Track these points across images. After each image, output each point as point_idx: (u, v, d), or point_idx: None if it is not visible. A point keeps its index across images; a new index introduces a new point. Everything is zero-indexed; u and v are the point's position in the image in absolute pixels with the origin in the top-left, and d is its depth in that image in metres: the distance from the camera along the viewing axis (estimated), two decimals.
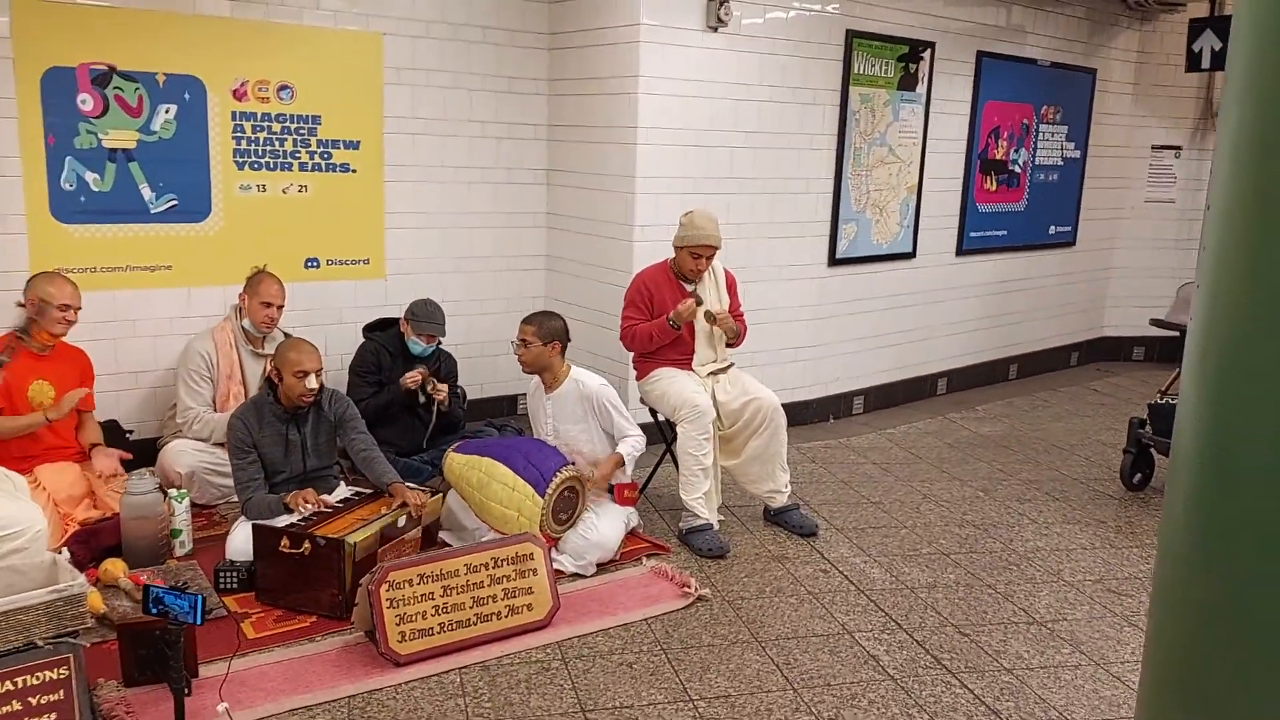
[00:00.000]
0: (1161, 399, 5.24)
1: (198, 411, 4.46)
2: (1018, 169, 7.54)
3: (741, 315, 4.70)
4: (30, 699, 2.60)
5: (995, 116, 7.21)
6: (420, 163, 5.52)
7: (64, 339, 4.21)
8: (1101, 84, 7.98)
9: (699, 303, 4.41)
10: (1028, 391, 7.50)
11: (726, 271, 4.70)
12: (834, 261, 6.29)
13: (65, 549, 3.76)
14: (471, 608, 3.36)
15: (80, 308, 4.11)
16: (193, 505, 4.22)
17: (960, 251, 7.23)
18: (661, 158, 5.34)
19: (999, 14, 6.94)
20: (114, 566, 3.68)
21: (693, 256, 4.41)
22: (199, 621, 2.48)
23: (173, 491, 3.97)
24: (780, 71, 5.69)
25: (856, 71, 6.08)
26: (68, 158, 4.57)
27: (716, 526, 4.37)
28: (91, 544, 3.85)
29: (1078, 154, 8.04)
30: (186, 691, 2.94)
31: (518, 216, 5.93)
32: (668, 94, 5.29)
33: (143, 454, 4.53)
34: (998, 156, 7.34)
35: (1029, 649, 3.51)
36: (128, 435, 4.73)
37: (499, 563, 3.46)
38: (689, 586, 3.82)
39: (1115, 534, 4.65)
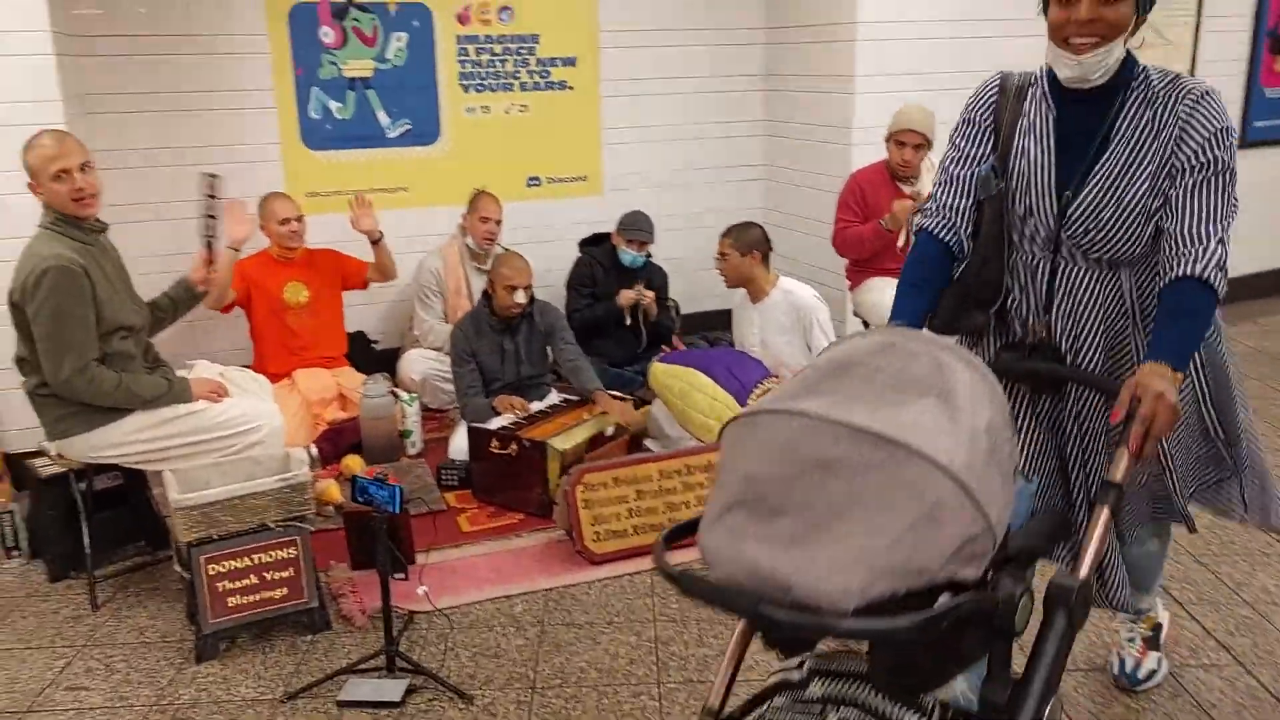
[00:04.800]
0: None
1: (430, 324, 4.77)
2: None
3: None
4: (265, 574, 2.93)
5: None
6: (635, 76, 5.53)
7: (308, 246, 4.60)
8: None
9: (916, 204, 4.18)
10: None
11: None
12: None
13: (314, 445, 4.21)
14: (664, 512, 3.44)
15: (300, 218, 4.45)
16: (425, 409, 4.56)
17: (1244, 144, 6.39)
18: (884, 54, 5.05)
19: None
20: (353, 462, 4.05)
21: (898, 145, 4.19)
22: (397, 510, 2.69)
23: (403, 395, 4.29)
24: None
25: None
26: (313, 88, 4.95)
27: None
28: (337, 442, 4.25)
29: None
30: (403, 576, 3.21)
31: (735, 125, 5.83)
32: None
33: (386, 363, 4.90)
34: None
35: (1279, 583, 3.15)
36: (373, 345, 5.14)
37: (692, 470, 3.50)
38: None
39: None
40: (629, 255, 4.79)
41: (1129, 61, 2.00)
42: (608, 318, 4.76)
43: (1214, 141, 1.91)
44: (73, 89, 4.04)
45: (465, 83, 5.21)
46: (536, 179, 5.47)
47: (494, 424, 3.90)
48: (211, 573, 2.86)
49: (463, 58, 5.17)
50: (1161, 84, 1.99)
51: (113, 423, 3.04)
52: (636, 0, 5.43)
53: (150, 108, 4.66)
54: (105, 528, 3.41)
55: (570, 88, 5.43)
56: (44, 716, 2.64)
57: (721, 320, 5.98)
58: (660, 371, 4.12)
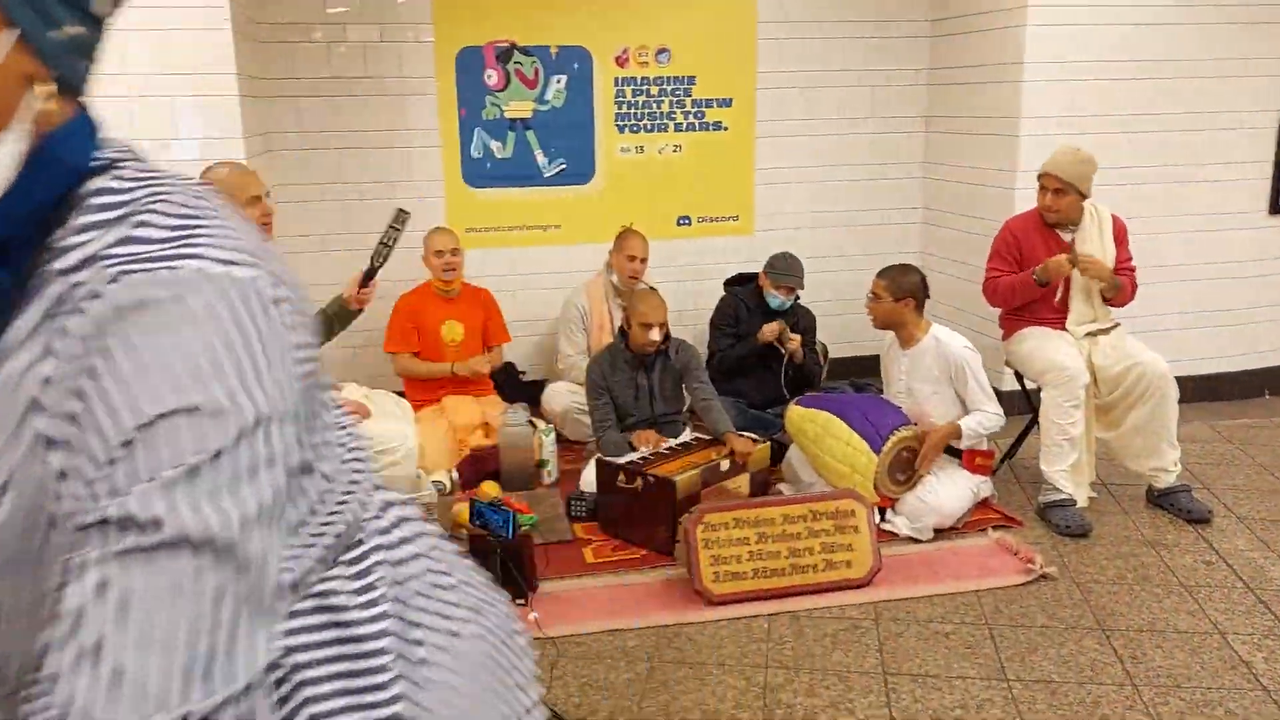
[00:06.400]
0: None
1: (573, 358, 4.86)
2: None
3: (1132, 269, 4.16)
4: None
5: None
6: (792, 116, 5.51)
7: (467, 282, 4.78)
8: None
9: (1072, 259, 3.96)
10: None
11: (1115, 218, 4.18)
12: (1279, 209, 5.33)
13: (456, 469, 4.34)
14: (787, 557, 3.35)
15: (454, 250, 4.59)
16: (565, 441, 4.64)
17: None
18: (1051, 96, 4.85)
19: None
20: (489, 488, 4.13)
21: (1040, 189, 4.02)
22: (510, 535, 2.74)
23: (541, 425, 4.38)
24: None
25: None
26: (476, 128, 5.18)
27: (1083, 504, 3.94)
28: (477, 467, 4.37)
29: None
30: (523, 601, 3.27)
31: (893, 167, 5.71)
32: (1060, 23, 4.78)
33: (533, 394, 5.01)
34: None
35: None
36: (521, 376, 5.27)
37: (817, 516, 3.40)
38: (1033, 563, 3.49)
39: None
40: (776, 299, 4.74)
41: (61, 166, 0.76)
42: (751, 356, 4.71)
43: (123, 464, 0.68)
44: (255, 128, 4.37)
45: (621, 123, 5.33)
46: (686, 218, 5.52)
47: (625, 458, 3.92)
48: None
49: (619, 99, 5.30)
50: (96, 249, 0.73)
51: None
52: (797, 43, 5.43)
53: (325, 145, 4.99)
54: None
55: (725, 128, 5.46)
56: None
57: (871, 366, 5.84)
58: (797, 415, 4.04)
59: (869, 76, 5.54)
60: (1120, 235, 4.17)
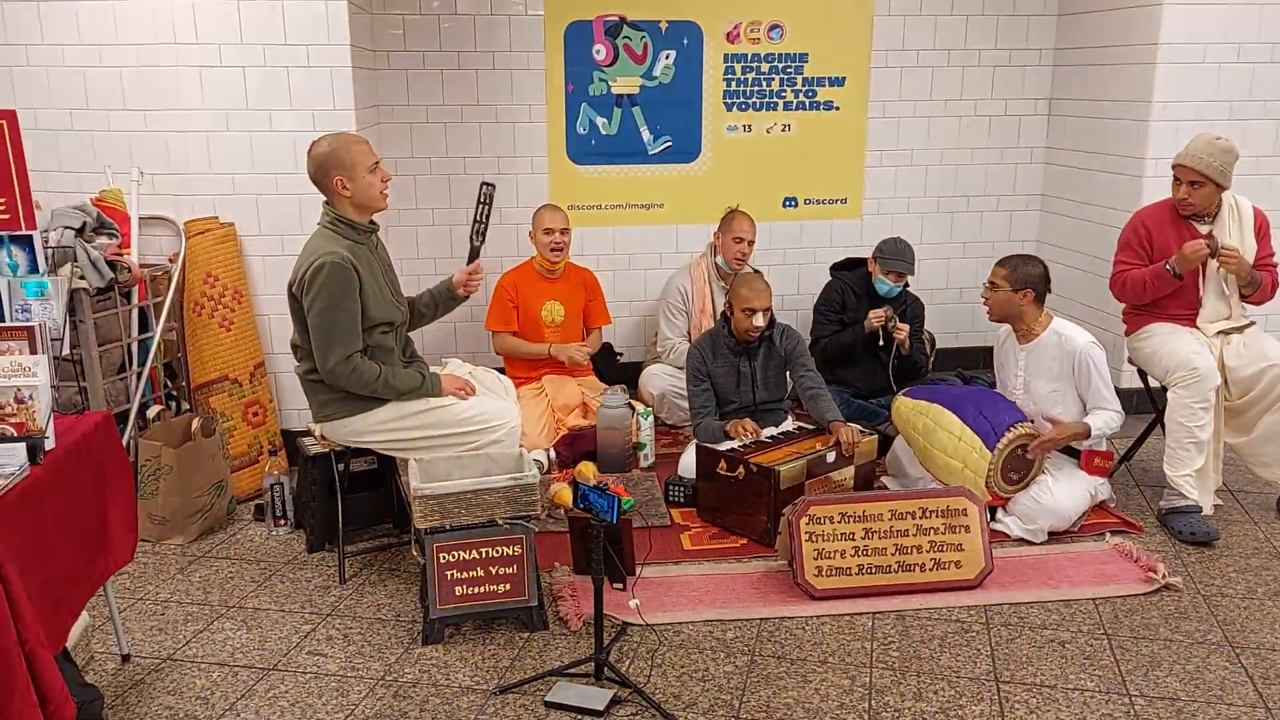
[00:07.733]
0: None
1: (674, 341, 4.79)
2: None
3: (1273, 266, 3.92)
4: (491, 568, 3.02)
5: None
6: (907, 97, 5.33)
7: (572, 261, 4.76)
8: None
9: (1211, 245, 3.74)
10: None
11: (1256, 211, 3.93)
12: None
13: (554, 449, 4.33)
14: (893, 555, 3.25)
15: (564, 230, 4.55)
16: (662, 425, 4.60)
17: None
18: (1188, 78, 4.59)
19: None
20: (586, 468, 4.10)
21: (1174, 181, 3.79)
22: (614, 520, 2.70)
23: (640, 408, 4.33)
24: None
25: None
26: (583, 104, 5.13)
27: (1208, 511, 3.74)
28: (575, 447, 4.36)
29: None
30: (621, 585, 3.23)
31: (1012, 152, 5.49)
32: (1200, 2, 4.51)
33: (630, 376, 4.97)
34: None
35: None
36: (618, 357, 5.23)
37: (927, 513, 3.29)
38: (1155, 572, 3.32)
39: None
40: (885, 285, 4.59)
41: None
42: (857, 344, 4.58)
43: None
44: (366, 99, 4.39)
45: (729, 101, 5.22)
46: (793, 199, 5.39)
47: (724, 446, 3.85)
48: (442, 560, 2.98)
49: (728, 76, 5.19)
50: None
51: (370, 411, 3.24)
52: (914, 20, 5.24)
53: (433, 118, 5.00)
54: (358, 507, 3.66)
55: (836, 108, 5.31)
56: (286, 675, 2.85)
57: (980, 357, 5.66)
58: (906, 406, 3.92)
59: (990, 56, 5.32)
60: (1261, 229, 3.93)
